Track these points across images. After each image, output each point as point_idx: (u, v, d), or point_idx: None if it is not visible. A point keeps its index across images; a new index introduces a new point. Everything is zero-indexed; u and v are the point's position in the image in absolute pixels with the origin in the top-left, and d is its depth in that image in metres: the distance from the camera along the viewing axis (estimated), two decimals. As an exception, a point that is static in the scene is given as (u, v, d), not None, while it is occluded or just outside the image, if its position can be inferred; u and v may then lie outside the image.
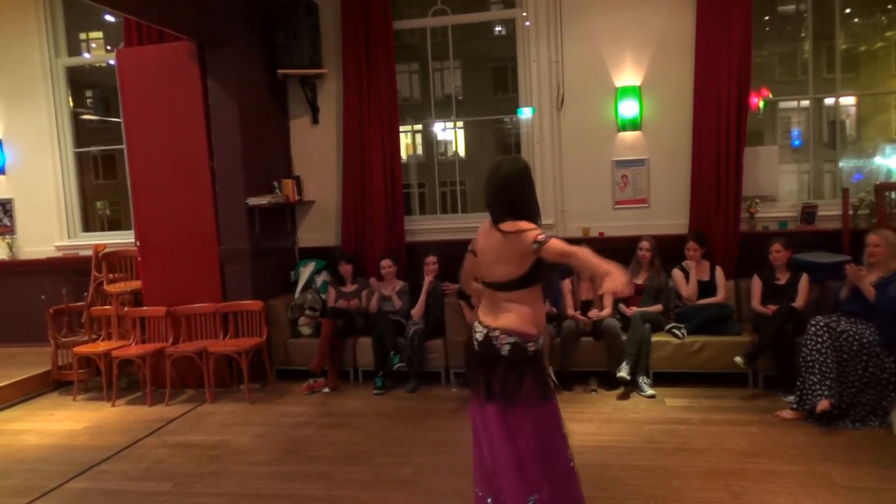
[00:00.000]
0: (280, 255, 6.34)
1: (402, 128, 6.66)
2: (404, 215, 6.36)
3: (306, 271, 6.19)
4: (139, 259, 5.92)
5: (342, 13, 6.18)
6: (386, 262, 5.81)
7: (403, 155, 6.66)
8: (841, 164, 6.78)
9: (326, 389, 5.52)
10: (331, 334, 5.50)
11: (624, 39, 5.88)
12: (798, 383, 4.35)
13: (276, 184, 6.09)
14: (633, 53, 5.88)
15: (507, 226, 2.54)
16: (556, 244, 2.40)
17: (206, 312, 5.72)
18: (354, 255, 6.14)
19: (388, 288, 5.83)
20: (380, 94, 6.17)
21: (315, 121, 6.47)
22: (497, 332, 2.58)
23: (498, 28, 10.84)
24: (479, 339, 2.65)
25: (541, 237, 2.43)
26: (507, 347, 2.56)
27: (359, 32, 6.14)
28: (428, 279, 5.67)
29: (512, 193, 2.60)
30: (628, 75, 5.90)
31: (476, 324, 2.70)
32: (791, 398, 4.44)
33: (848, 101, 10.10)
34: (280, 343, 5.84)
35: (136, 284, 5.99)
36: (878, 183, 5.53)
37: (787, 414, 4.34)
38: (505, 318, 2.58)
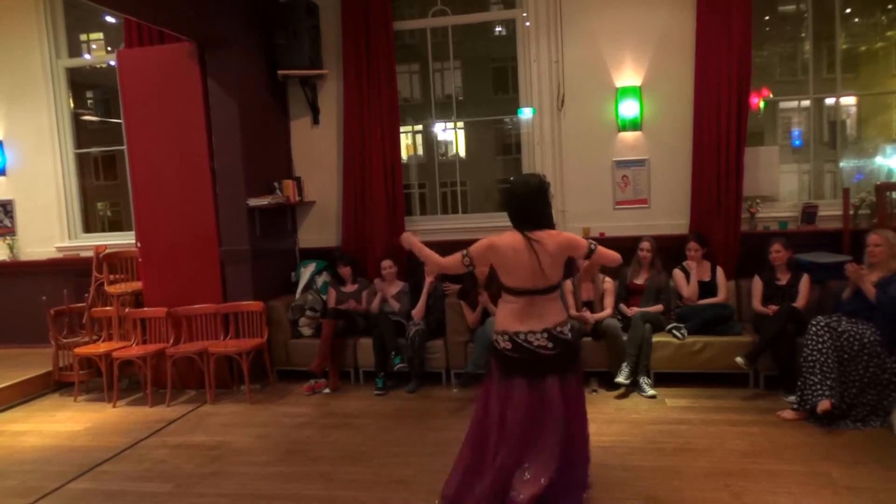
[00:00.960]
0: (281, 256, 6.34)
1: (402, 128, 6.66)
2: (405, 216, 6.36)
3: (307, 272, 6.19)
4: (140, 260, 5.92)
5: (342, 14, 6.18)
6: (387, 263, 5.81)
7: (404, 155, 6.66)
8: (841, 164, 6.77)
9: (327, 390, 5.52)
10: (331, 335, 5.50)
11: (624, 39, 5.88)
12: (799, 383, 4.35)
13: (276, 184, 6.09)
14: (633, 53, 5.88)
15: (553, 234, 3.01)
16: (604, 249, 2.98)
17: (207, 313, 5.72)
18: (355, 256, 6.14)
19: (388, 289, 5.82)
20: (380, 94, 6.17)
21: (315, 121, 6.47)
22: (558, 328, 2.98)
23: (498, 28, 10.86)
24: (535, 341, 2.96)
25: (593, 243, 2.99)
26: (569, 335, 3.04)
27: (359, 33, 6.15)
28: (429, 280, 5.66)
29: (543, 204, 3.06)
30: (629, 75, 5.90)
31: (515, 333, 2.97)
32: (792, 398, 4.43)
33: (848, 101, 10.10)
34: (281, 344, 5.84)
35: (136, 285, 5.99)
36: (878, 183, 5.53)
37: (788, 414, 4.34)
38: (554, 315, 3.01)
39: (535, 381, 2.96)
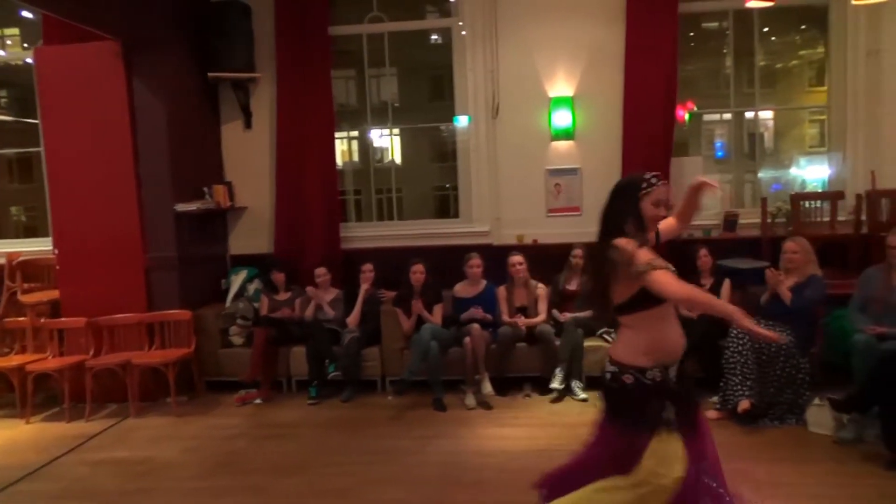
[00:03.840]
0: (210, 263, 6.16)
1: (338, 134, 6.61)
2: (340, 222, 6.30)
3: (238, 279, 6.04)
4: (58, 267, 5.62)
5: (276, 17, 6.08)
6: (321, 271, 5.73)
7: (339, 161, 6.60)
8: (760, 174, 7.13)
9: (259, 400, 5.38)
10: (264, 343, 5.37)
11: (557, 51, 6.01)
12: (721, 384, 4.53)
13: (206, 189, 5.92)
14: (566, 65, 6.01)
15: (616, 242, 2.37)
16: (661, 279, 2.21)
17: (130, 323, 5.49)
18: (289, 263, 6.02)
19: (322, 296, 5.74)
20: (315, 99, 6.10)
21: (248, 125, 6.33)
22: (608, 365, 2.45)
23: (434, 36, 10.90)
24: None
25: (644, 265, 2.25)
26: (607, 375, 2.45)
27: (294, 37, 6.06)
28: (364, 287, 5.62)
29: (608, 206, 2.52)
30: (561, 86, 6.03)
31: None
32: (715, 399, 4.61)
33: (766, 114, 10.64)
34: (210, 353, 5.66)
35: (53, 294, 5.69)
36: (793, 193, 5.84)
37: (712, 414, 4.50)
38: (614, 345, 2.52)
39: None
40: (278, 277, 5.82)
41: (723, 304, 2.24)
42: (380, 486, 3.75)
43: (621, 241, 2.33)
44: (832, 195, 5.73)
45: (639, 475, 2.31)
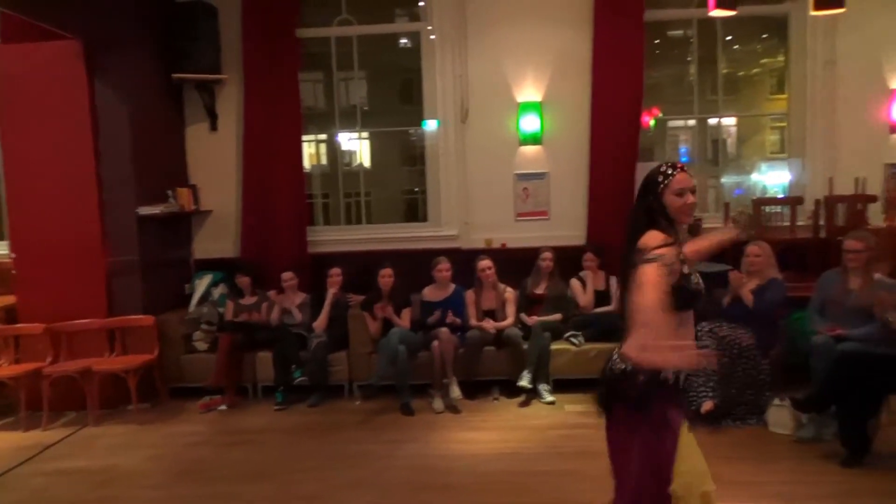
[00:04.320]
0: (174, 267, 6.04)
1: (305, 137, 6.56)
2: (308, 226, 6.24)
3: (202, 284, 5.94)
4: (14, 272, 5.46)
5: (243, 18, 6.01)
6: (287, 275, 5.67)
7: (307, 164, 6.55)
8: (723, 179, 7.28)
9: (224, 407, 5.29)
10: (229, 349, 5.29)
11: (526, 56, 6.05)
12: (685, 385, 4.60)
13: (170, 192, 5.81)
14: (534, 70, 6.06)
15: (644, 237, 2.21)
16: (647, 276, 2.03)
17: (91, 329, 5.35)
18: (256, 267, 5.94)
19: (289, 300, 5.68)
20: (283, 102, 6.04)
21: (214, 127, 6.23)
22: (614, 356, 2.33)
23: (404, 40, 10.90)
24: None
25: (652, 255, 2.07)
26: (615, 369, 2.31)
27: (261, 39, 5.99)
28: (332, 291, 5.58)
29: (633, 208, 2.34)
30: (530, 91, 6.07)
31: None
32: (680, 400, 4.68)
33: (729, 121, 10.87)
34: (174, 359, 5.55)
35: (9, 300, 5.53)
36: (755, 198, 5.97)
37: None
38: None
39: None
40: (243, 281, 5.75)
41: (671, 353, 1.95)
42: (348, 491, 3.72)
43: (648, 236, 2.15)
44: (792, 200, 5.87)
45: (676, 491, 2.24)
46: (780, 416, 4.31)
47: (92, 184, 5.35)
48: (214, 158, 6.24)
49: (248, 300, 5.76)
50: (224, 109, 6.22)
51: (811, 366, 4.32)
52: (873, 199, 5.66)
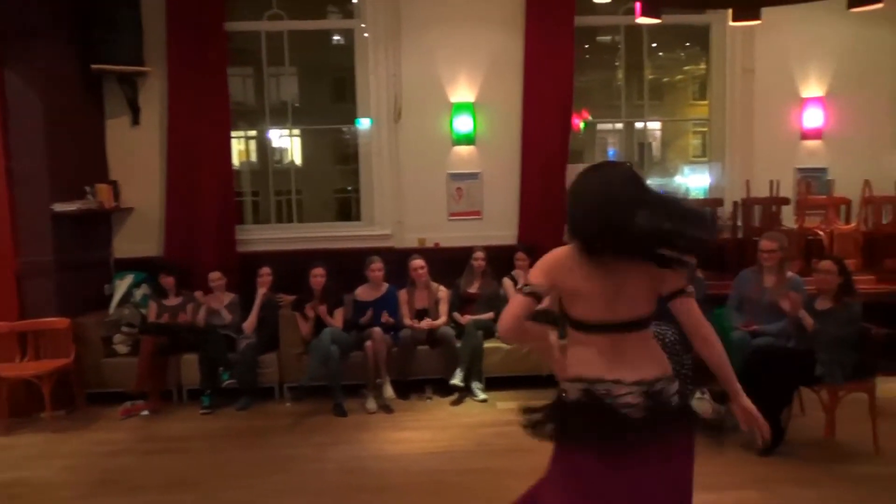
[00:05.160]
0: (92, 268, 5.76)
1: (234, 133, 6.38)
2: (236, 224, 6.08)
3: (123, 284, 5.69)
4: (-86, 272, 5.09)
5: (168, 9, 5.78)
6: (215, 275, 5.50)
7: (236, 161, 6.37)
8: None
9: (146, 412, 5.08)
10: (152, 352, 5.09)
11: (459, 57, 6.09)
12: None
13: (88, 189, 5.54)
14: (467, 71, 6.10)
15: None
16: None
17: (0, 333, 5.04)
18: (181, 267, 5.73)
19: (216, 301, 5.52)
20: (210, 96, 5.86)
21: (136, 122, 5.98)
22: (660, 385, 1.98)
23: (337, 37, 10.76)
24: (633, 399, 1.94)
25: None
26: (675, 398, 2.02)
27: (187, 30, 5.79)
28: (261, 291, 5.46)
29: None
30: (463, 92, 6.11)
31: (594, 384, 1.99)
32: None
33: (654, 125, 11.25)
34: (92, 364, 5.29)
35: None
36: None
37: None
38: (652, 365, 2.02)
39: (614, 457, 1.91)
40: (168, 281, 5.54)
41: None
42: (279, 497, 3.64)
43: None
44: (712, 202, 6.13)
45: None
46: (701, 407, 4.47)
47: (1, 180, 5.03)
48: (137, 154, 5.99)
49: (173, 301, 5.55)
50: (147, 103, 5.97)
51: (729, 360, 4.52)
52: (786, 201, 5.99)
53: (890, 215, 5.90)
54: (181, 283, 5.62)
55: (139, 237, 6.02)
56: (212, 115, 5.88)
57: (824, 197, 6.03)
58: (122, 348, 5.40)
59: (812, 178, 6.16)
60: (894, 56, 6.30)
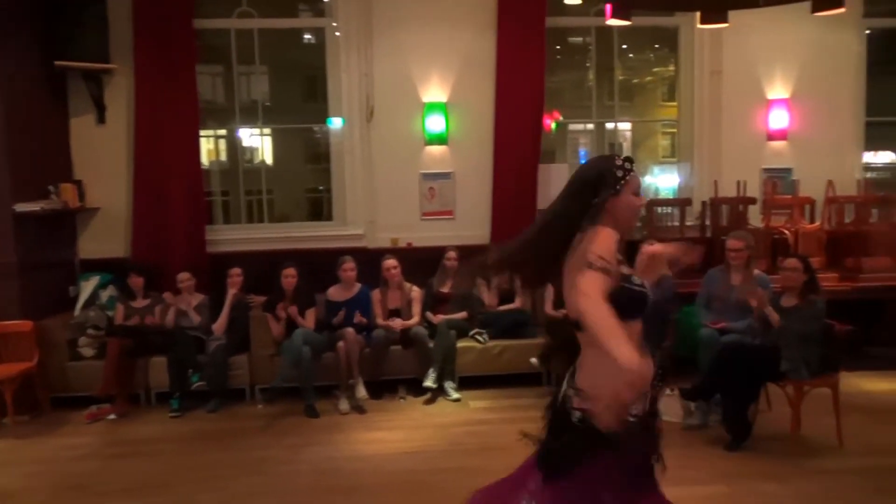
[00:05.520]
0: (57, 269, 5.63)
1: (203, 132, 6.30)
2: (206, 224, 6.00)
3: (89, 286, 5.57)
4: None
5: (135, 5, 5.68)
6: (184, 276, 5.42)
7: (205, 161, 6.29)
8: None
9: (113, 416, 4.98)
10: (119, 354, 4.99)
11: (431, 57, 6.08)
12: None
13: (52, 188, 5.42)
14: (439, 70, 6.10)
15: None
16: (584, 282, 1.69)
17: (-40, 336, 4.91)
18: (150, 268, 5.63)
19: (185, 302, 5.43)
20: (178, 94, 5.77)
21: (101, 120, 5.86)
22: (571, 392, 1.91)
23: (308, 36, 10.67)
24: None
25: (590, 258, 1.74)
26: (577, 413, 1.87)
27: (154, 27, 5.69)
28: (232, 291, 5.39)
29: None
30: (435, 92, 6.11)
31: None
32: (580, 394, 4.84)
33: (625, 126, 11.37)
34: (57, 368, 5.17)
35: None
36: (648, 200, 6.28)
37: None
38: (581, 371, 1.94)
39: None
40: (136, 282, 5.44)
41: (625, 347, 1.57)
42: (250, 499, 3.60)
43: (602, 237, 1.86)
44: (681, 202, 6.22)
45: None
46: (670, 405, 4.53)
47: (-40, 178, 4.91)
48: (102, 153, 5.86)
49: (141, 303, 5.46)
50: (113, 101, 5.85)
51: (698, 357, 4.60)
52: (752, 201, 6.09)
53: (852, 215, 6.04)
54: (150, 284, 5.52)
55: (105, 238, 5.90)
56: (180, 113, 5.79)
57: (789, 197, 6.15)
58: (87, 351, 5.29)
59: (778, 178, 6.28)
60: (856, 59, 6.46)
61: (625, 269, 1.84)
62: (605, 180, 1.86)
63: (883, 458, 3.88)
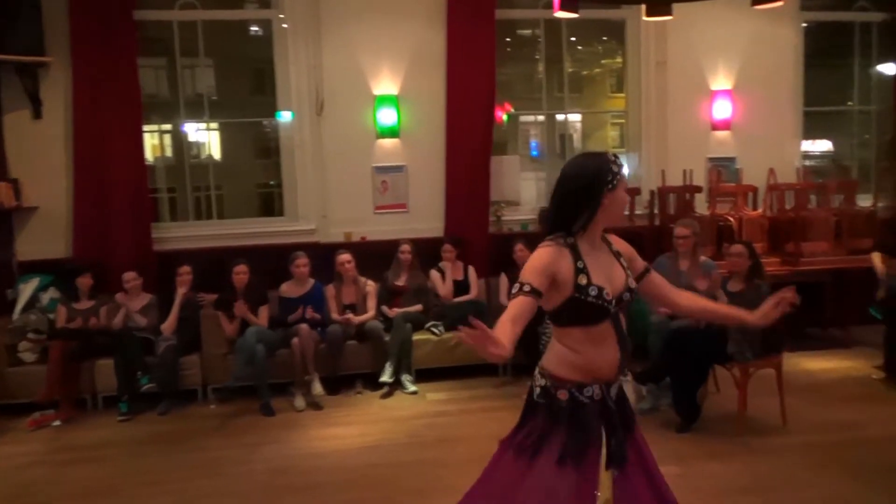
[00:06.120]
0: (-7, 271, 5.40)
1: (147, 127, 6.12)
2: (152, 222, 5.83)
3: (28, 288, 5.36)
4: None
5: (70, -5, 5.47)
6: (130, 275, 5.26)
7: (150, 156, 6.11)
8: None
9: (58, 422, 4.80)
10: (62, 358, 4.82)
11: (381, 49, 6.04)
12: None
13: (-15, 187, 5.19)
14: (390, 63, 6.06)
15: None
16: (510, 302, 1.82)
17: None
18: (94, 268, 5.43)
19: (133, 302, 5.28)
20: (119, 88, 5.59)
21: (37, 115, 5.62)
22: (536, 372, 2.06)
23: (254, 28, 10.45)
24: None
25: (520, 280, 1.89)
26: (537, 390, 2.03)
27: (92, 19, 5.50)
28: (181, 290, 5.25)
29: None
30: (386, 84, 6.07)
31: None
32: (536, 383, 4.91)
33: (575, 117, 11.50)
34: (-5, 374, 4.97)
35: None
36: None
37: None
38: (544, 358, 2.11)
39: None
40: (85, 282, 5.25)
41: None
42: (205, 501, 3.53)
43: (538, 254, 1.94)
44: (630, 191, 6.33)
45: None
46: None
47: None
48: (39, 149, 5.64)
49: (85, 304, 5.27)
50: (50, 95, 5.63)
51: (649, 342, 4.70)
52: (699, 189, 6.26)
53: (792, 201, 6.27)
54: (94, 285, 5.34)
55: (45, 238, 5.68)
56: (122, 107, 5.61)
57: (733, 185, 6.34)
58: (28, 356, 5.09)
59: (722, 167, 6.47)
60: (794, 51, 6.69)
61: (583, 279, 1.89)
62: (603, 177, 1.92)
63: (824, 434, 4.05)
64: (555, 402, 1.94)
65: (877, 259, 5.27)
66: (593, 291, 1.89)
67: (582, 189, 1.91)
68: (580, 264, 1.89)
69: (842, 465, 3.60)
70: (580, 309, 1.89)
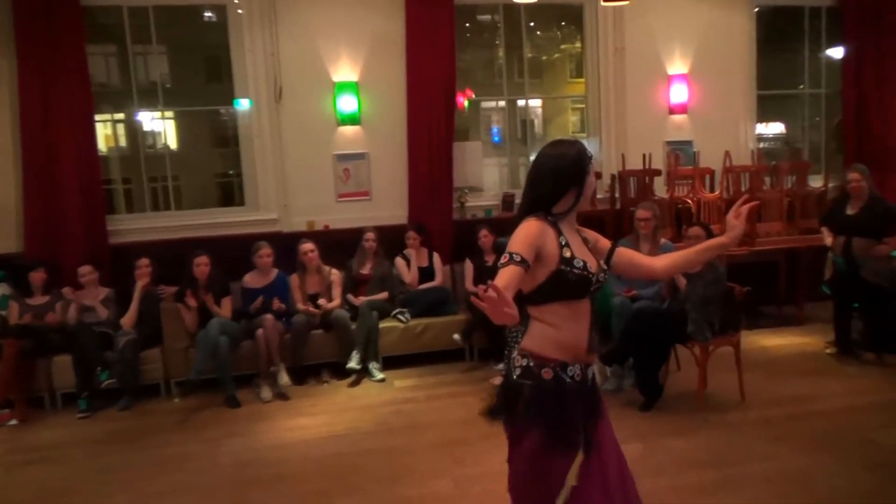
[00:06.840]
0: (-60, 268, 5.19)
1: (99, 116, 5.93)
2: (106, 214, 5.68)
3: (-23, 285, 5.18)
4: None
5: (12, -20, 5.25)
6: (85, 269, 5.12)
7: (102, 147, 5.93)
8: (532, 157, 7.73)
9: (14, 422, 4.66)
10: (15, 356, 4.67)
11: (339, 36, 5.96)
12: (506, 353, 4.86)
13: (-72, 180, 4.98)
14: (348, 50, 5.99)
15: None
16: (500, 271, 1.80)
17: None
18: (47, 263, 5.27)
19: (90, 297, 5.14)
20: (67, 77, 5.41)
21: (-19, 106, 5.41)
22: (515, 353, 2.04)
23: (208, 14, 10.20)
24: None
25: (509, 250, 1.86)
26: (517, 370, 1.99)
27: (36, 5, 5.31)
28: (140, 283, 5.14)
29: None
30: (346, 71, 6.00)
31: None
32: (500, 366, 4.95)
33: (535, 103, 11.56)
34: (-54, 374, 4.79)
35: None
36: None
37: (498, 380, 4.82)
38: (524, 339, 2.08)
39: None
40: (38, 277, 5.10)
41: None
42: (169, 497, 3.47)
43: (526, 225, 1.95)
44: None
45: None
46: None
47: None
48: (-15, 141, 5.43)
49: (38, 300, 5.12)
50: (-7, 85, 5.42)
51: (612, 324, 4.78)
52: (658, 173, 6.36)
53: (748, 183, 6.42)
54: (48, 280, 5.18)
55: (-7, 232, 5.48)
56: (70, 97, 5.43)
57: (691, 168, 6.46)
58: (-20, 355, 4.92)
59: (679, 151, 6.58)
60: (747, 37, 6.82)
61: (567, 252, 1.93)
62: (585, 159, 1.99)
63: (780, 408, 4.18)
64: (539, 381, 1.94)
65: (826, 233, 5.41)
66: (578, 264, 1.93)
67: (567, 169, 1.96)
68: (562, 240, 1.94)
69: (797, 438, 3.72)
70: (565, 282, 1.92)
